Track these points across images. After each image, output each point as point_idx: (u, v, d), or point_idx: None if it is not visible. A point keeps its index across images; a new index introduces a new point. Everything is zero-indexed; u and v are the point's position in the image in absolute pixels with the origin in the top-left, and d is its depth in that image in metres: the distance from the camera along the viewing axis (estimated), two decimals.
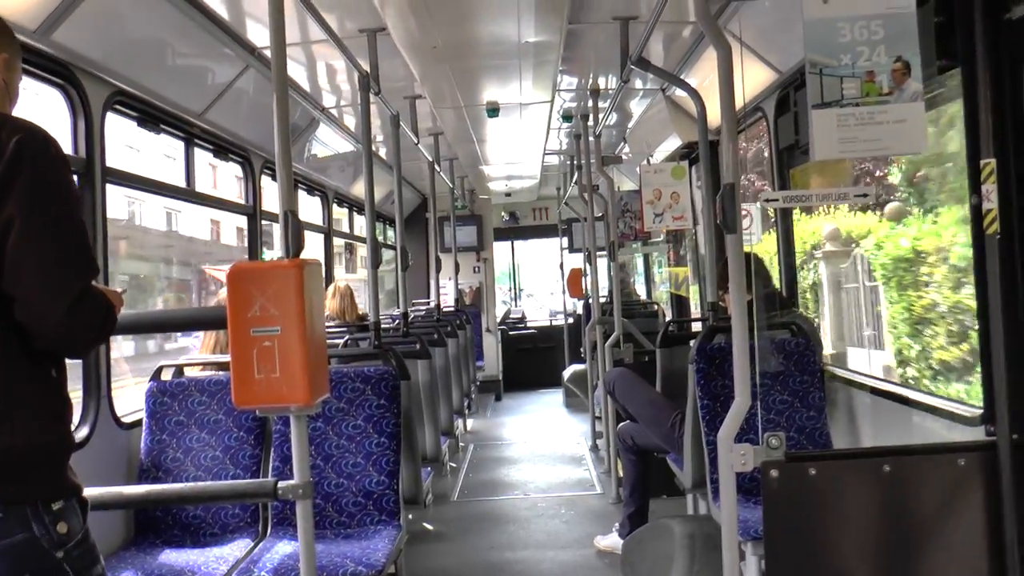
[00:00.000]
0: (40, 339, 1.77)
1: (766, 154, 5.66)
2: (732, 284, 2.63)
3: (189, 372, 3.87)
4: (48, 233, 1.76)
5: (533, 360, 12.13)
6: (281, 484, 2.41)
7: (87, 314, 1.79)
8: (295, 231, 2.43)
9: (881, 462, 2.43)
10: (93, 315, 1.80)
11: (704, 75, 5.05)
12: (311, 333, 2.22)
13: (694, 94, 4.62)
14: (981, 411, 2.61)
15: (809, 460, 2.50)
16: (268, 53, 4.47)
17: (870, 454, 2.54)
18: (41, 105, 3.29)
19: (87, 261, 1.83)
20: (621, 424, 5.18)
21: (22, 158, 1.74)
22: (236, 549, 3.36)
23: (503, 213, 12.61)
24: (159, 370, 3.76)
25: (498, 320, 12.20)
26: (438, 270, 7.84)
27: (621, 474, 5.65)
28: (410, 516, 3.82)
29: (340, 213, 8.11)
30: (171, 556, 3.32)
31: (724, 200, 2.60)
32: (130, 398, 4.07)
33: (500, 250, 13.07)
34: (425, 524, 5.66)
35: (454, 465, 7.37)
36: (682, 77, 5.13)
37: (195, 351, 4.53)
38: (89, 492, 1.91)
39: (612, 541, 4.95)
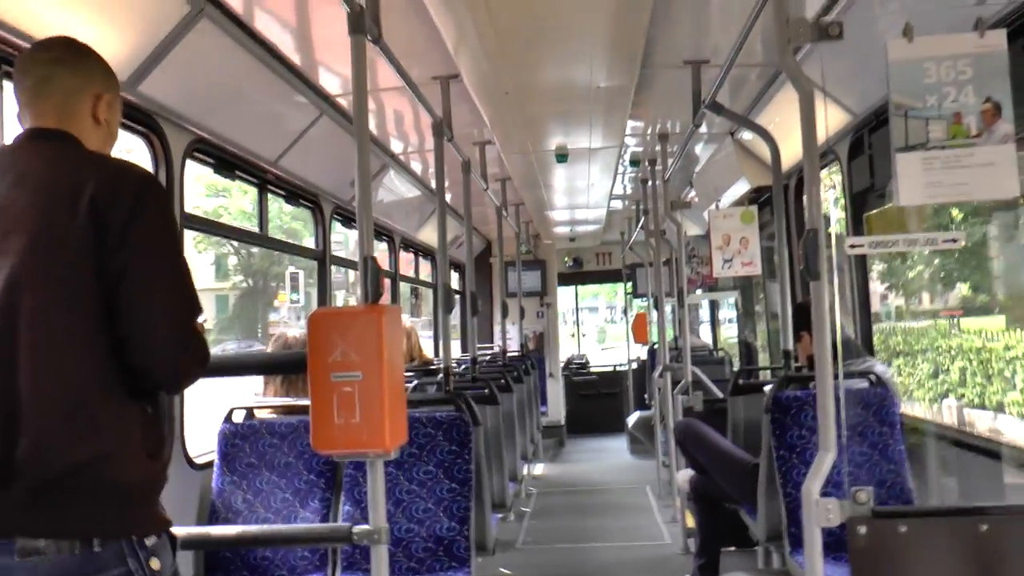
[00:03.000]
0: (152, 379, 1.84)
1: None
2: (816, 332, 2.56)
3: (259, 415, 3.89)
4: (166, 277, 1.83)
5: (596, 406, 12.02)
6: (356, 529, 2.39)
7: (197, 354, 1.86)
8: (374, 277, 2.44)
9: (978, 521, 2.31)
10: (201, 355, 1.87)
11: (773, 118, 5.00)
12: (391, 379, 2.20)
13: (768, 137, 4.57)
14: None
15: (899, 517, 2.40)
16: (341, 101, 4.60)
17: (966, 512, 2.42)
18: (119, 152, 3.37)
19: (196, 303, 1.89)
20: (691, 473, 5.08)
21: (142, 204, 1.80)
22: None
23: (566, 259, 12.60)
24: (231, 412, 3.79)
25: (561, 365, 12.14)
26: (504, 315, 7.83)
27: (690, 524, 5.53)
28: (480, 560, 3.77)
29: (404, 258, 8.18)
30: None
31: (807, 246, 2.54)
32: None
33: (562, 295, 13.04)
34: (503, 569, 5.60)
35: (524, 510, 7.30)
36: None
37: None
38: (174, 531, 1.93)
39: None
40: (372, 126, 5.38)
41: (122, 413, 1.80)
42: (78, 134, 1.92)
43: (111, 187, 1.79)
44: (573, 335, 14.79)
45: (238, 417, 3.79)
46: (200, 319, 1.91)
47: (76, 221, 1.75)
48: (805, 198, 2.62)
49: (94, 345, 1.77)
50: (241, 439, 3.67)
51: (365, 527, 2.42)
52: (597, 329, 34.09)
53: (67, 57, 1.96)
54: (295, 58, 3.99)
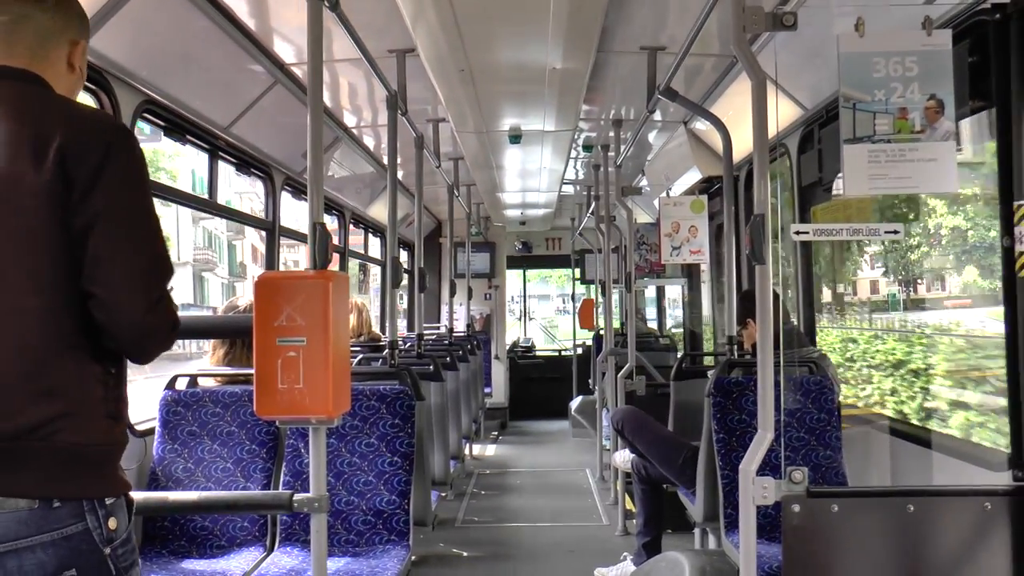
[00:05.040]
0: (114, 338, 1.75)
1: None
2: (759, 315, 2.61)
3: (202, 383, 3.85)
4: (134, 233, 1.74)
5: (540, 389, 12.09)
6: (297, 496, 2.39)
7: (162, 317, 1.77)
8: (323, 243, 2.43)
9: (905, 502, 2.39)
10: (167, 319, 1.78)
11: (726, 109, 5.06)
12: (336, 346, 2.20)
13: (720, 126, 4.62)
14: (1008, 454, 2.58)
15: (831, 497, 2.47)
16: (296, 70, 4.56)
17: (894, 493, 2.50)
18: None
19: (167, 263, 1.81)
20: (633, 455, 5.15)
21: (111, 157, 1.71)
22: (243, 562, 3.32)
23: (516, 243, 12.63)
24: (174, 379, 3.74)
25: (507, 348, 12.19)
26: (452, 294, 7.83)
27: (630, 506, 5.61)
28: (421, 536, 3.78)
29: (354, 234, 8.13)
30: (178, 566, 3.28)
31: (754, 231, 2.58)
32: None
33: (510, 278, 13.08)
34: (455, 550, 5.64)
35: (465, 489, 7.34)
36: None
37: None
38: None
39: (621, 571, 4.90)
40: (326, 98, 5.33)
41: (83, 372, 1.74)
42: (50, 79, 1.82)
43: (80, 138, 1.70)
44: (520, 319, 14.85)
45: (180, 384, 3.76)
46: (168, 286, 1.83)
47: (42, 171, 1.67)
48: (755, 185, 2.67)
49: (57, 301, 1.70)
50: (183, 407, 3.63)
51: (306, 495, 2.42)
52: (546, 323, 25.92)
53: None
54: (250, 23, 3.94)
